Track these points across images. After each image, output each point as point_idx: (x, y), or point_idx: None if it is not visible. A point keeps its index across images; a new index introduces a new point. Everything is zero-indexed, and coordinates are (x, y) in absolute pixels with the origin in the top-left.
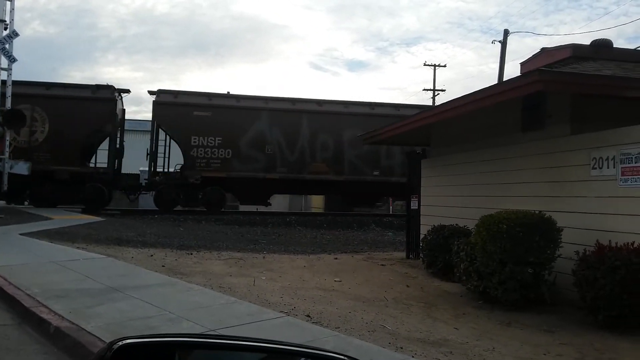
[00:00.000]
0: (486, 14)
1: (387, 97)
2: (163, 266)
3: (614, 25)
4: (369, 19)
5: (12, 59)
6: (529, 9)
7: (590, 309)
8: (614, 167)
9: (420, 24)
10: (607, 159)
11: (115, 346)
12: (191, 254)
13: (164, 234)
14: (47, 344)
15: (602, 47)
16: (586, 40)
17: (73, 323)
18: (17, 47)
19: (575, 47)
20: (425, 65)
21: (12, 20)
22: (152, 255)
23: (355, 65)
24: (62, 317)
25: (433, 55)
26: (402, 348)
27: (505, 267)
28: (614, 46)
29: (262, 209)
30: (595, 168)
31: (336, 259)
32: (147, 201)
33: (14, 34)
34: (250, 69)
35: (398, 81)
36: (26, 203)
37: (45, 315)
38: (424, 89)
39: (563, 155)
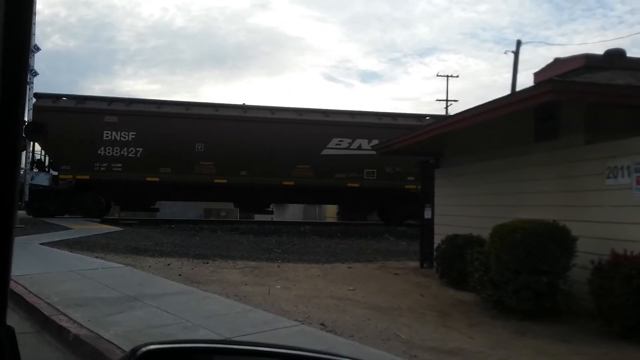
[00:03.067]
0: (499, 25)
1: (401, 108)
2: (180, 275)
3: (627, 34)
4: (382, 31)
5: (33, 73)
6: (542, 18)
7: (606, 318)
8: (629, 177)
9: (433, 34)
10: (622, 168)
11: (139, 352)
12: (207, 262)
13: (181, 244)
14: (66, 352)
15: (615, 57)
16: (600, 50)
17: (92, 331)
18: (38, 61)
19: (588, 57)
20: (438, 76)
21: (33, 34)
22: (169, 264)
23: (368, 76)
24: (81, 325)
25: (446, 66)
26: (416, 357)
27: (519, 277)
28: (628, 55)
29: (276, 218)
30: (610, 177)
31: (350, 268)
32: (164, 211)
33: (35, 48)
34: (267, 81)
35: (411, 92)
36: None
37: (64, 323)
38: (437, 100)
39: (577, 165)
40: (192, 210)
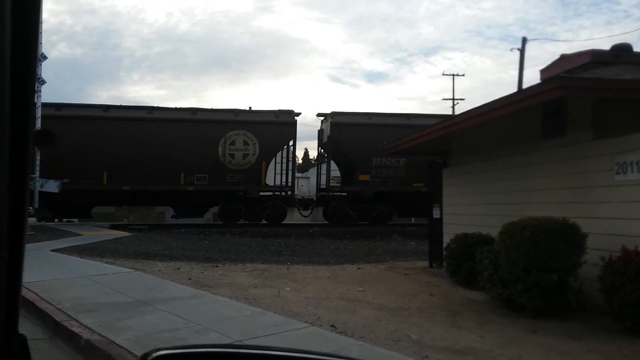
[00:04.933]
0: (504, 22)
1: (407, 108)
2: (189, 279)
3: (634, 28)
4: (386, 31)
5: (41, 81)
6: (548, 14)
7: (618, 315)
8: (638, 172)
9: (438, 33)
10: (631, 163)
11: (150, 358)
12: (217, 266)
13: (190, 248)
14: (78, 357)
15: (622, 52)
16: (607, 45)
17: (103, 336)
18: (45, 69)
19: (594, 53)
20: (444, 75)
21: (40, 43)
22: (178, 269)
23: (374, 77)
24: (93, 330)
25: (452, 64)
26: (427, 357)
27: (529, 275)
28: (635, 50)
29: (285, 220)
30: (619, 173)
31: (359, 269)
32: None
33: (42, 57)
34: (272, 84)
35: (417, 91)
36: (56, 220)
37: (76, 328)
38: (444, 99)
39: (586, 161)
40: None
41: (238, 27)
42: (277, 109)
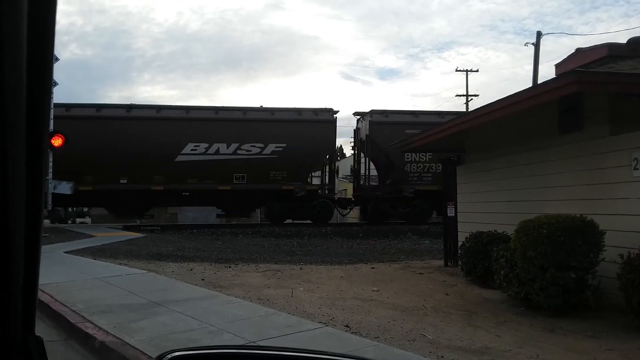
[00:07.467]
0: (519, 15)
1: (420, 104)
2: (203, 280)
3: None
4: (398, 26)
5: (53, 83)
6: (564, 7)
7: (637, 313)
8: None
9: (451, 28)
10: None
11: (165, 359)
12: (229, 267)
13: (203, 248)
14: (93, 359)
15: (639, 45)
16: (624, 38)
17: (117, 337)
18: (57, 71)
19: (611, 46)
20: (457, 70)
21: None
22: (191, 269)
23: (386, 73)
24: (107, 332)
25: (465, 60)
26: (443, 357)
27: (546, 273)
28: None
29: (289, 221)
30: (637, 169)
31: (373, 268)
32: (185, 216)
33: (55, 59)
34: (283, 82)
35: (431, 88)
36: (69, 222)
37: (90, 330)
38: (457, 95)
39: (603, 157)
40: (212, 214)
41: (249, 25)
42: None
